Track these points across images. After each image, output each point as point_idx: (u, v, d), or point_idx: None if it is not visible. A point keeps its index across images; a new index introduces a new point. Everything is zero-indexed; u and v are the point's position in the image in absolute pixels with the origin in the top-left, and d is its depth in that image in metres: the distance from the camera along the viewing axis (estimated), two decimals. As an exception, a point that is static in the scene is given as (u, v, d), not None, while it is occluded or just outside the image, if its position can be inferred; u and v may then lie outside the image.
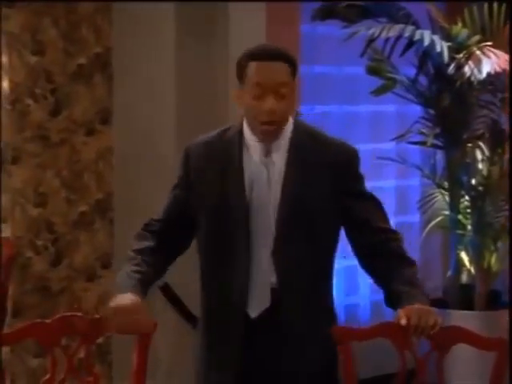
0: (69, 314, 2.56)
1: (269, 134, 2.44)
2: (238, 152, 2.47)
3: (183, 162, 2.54)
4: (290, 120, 2.51)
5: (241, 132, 2.50)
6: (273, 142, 2.47)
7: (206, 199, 2.48)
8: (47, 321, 2.44)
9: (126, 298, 2.37)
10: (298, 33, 4.41)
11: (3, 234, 4.13)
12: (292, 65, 2.45)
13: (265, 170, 2.46)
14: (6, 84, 4.12)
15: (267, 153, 2.47)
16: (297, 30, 4.39)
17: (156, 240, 2.56)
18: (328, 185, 2.48)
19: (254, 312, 2.47)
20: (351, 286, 5.08)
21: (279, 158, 2.48)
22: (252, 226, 2.45)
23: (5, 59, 4.11)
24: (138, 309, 2.37)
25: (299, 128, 2.54)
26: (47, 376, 2.42)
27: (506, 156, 4.42)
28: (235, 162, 2.47)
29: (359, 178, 2.57)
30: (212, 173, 2.49)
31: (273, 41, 4.20)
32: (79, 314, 2.55)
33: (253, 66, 2.42)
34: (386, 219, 2.61)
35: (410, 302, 2.44)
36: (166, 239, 2.56)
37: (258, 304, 2.46)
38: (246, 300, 2.45)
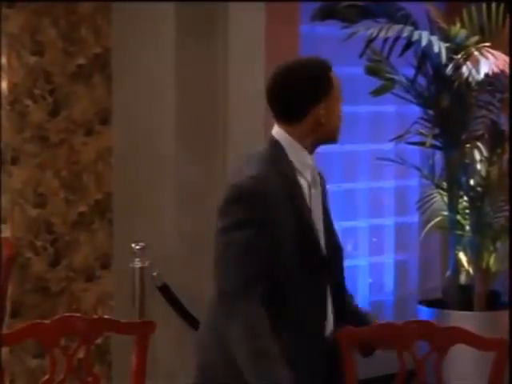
0: (68, 314, 2.56)
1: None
2: (293, 177, 2.34)
3: (252, 203, 2.22)
4: None
5: (286, 156, 2.35)
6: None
7: (285, 231, 2.26)
8: (46, 321, 2.44)
9: None
10: (298, 33, 4.41)
11: (3, 235, 4.13)
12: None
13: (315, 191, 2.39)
14: (5, 84, 4.12)
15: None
16: (296, 30, 4.39)
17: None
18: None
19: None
20: (350, 286, 5.07)
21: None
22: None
23: (4, 60, 4.10)
24: None
25: None
26: (46, 376, 2.42)
27: (505, 156, 4.42)
28: (296, 188, 2.32)
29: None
30: (280, 203, 2.27)
31: (272, 41, 4.21)
32: (78, 314, 2.56)
33: (333, 74, 2.46)
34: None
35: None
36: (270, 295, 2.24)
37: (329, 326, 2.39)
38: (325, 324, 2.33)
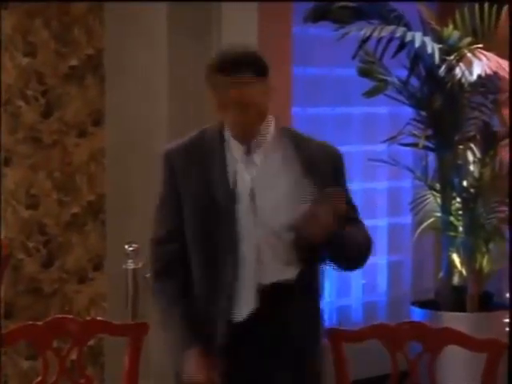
0: (60, 316, 2.56)
1: None
2: (220, 150, 2.42)
3: (167, 167, 2.47)
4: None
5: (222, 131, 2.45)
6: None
7: (193, 200, 2.40)
8: (39, 323, 2.44)
9: (196, 373, 2.30)
10: (290, 34, 4.41)
11: (-5, 236, 4.13)
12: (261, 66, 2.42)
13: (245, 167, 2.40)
14: (-3, 85, 4.11)
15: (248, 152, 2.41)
16: (289, 31, 4.39)
17: (172, 266, 2.43)
18: (312, 183, 2.39)
19: (240, 315, 2.36)
20: (343, 287, 5.08)
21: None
22: (238, 226, 2.37)
23: (-4, 60, 4.10)
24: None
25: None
26: (39, 378, 2.42)
27: (498, 157, 4.42)
28: (218, 160, 2.41)
29: (343, 177, 2.50)
30: (197, 173, 2.42)
31: (265, 42, 4.21)
32: (71, 316, 2.55)
33: (219, 79, 2.41)
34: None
35: None
36: (179, 256, 2.42)
37: (244, 306, 2.36)
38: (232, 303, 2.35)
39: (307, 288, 2.41)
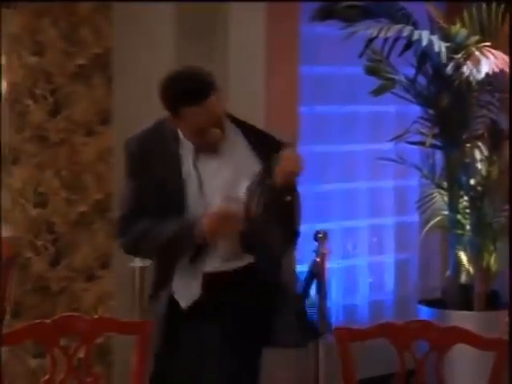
0: (68, 314, 2.56)
1: None
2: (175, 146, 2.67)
3: (128, 158, 2.73)
4: None
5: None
6: None
7: (151, 187, 2.66)
8: (47, 321, 2.44)
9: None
10: (298, 33, 4.40)
11: (3, 235, 4.13)
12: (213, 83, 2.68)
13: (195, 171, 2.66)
14: (5, 85, 4.12)
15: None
16: (296, 29, 4.39)
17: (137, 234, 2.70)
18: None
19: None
20: (350, 286, 5.08)
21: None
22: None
23: (4, 60, 4.11)
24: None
25: None
26: (47, 376, 2.43)
27: (505, 153, 4.41)
28: (172, 152, 2.67)
29: None
30: (153, 163, 2.67)
31: (272, 41, 4.21)
32: (78, 314, 2.56)
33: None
34: None
35: None
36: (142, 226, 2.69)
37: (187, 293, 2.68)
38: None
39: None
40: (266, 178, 2.61)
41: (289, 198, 2.62)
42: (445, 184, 4.53)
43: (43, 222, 4.27)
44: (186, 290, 2.68)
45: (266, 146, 2.71)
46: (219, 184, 2.65)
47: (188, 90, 2.59)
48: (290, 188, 2.61)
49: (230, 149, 2.70)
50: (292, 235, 2.76)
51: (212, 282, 2.67)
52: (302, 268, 4.45)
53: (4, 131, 4.16)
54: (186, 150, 2.68)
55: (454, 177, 4.47)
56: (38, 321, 2.47)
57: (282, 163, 2.59)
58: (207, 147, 2.67)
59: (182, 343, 2.69)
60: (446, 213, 4.54)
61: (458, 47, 4.24)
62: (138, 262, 3.79)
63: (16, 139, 4.17)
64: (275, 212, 2.61)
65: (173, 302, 2.70)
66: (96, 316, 2.60)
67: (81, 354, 2.48)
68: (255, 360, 2.80)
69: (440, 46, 4.12)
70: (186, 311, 2.68)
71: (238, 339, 2.70)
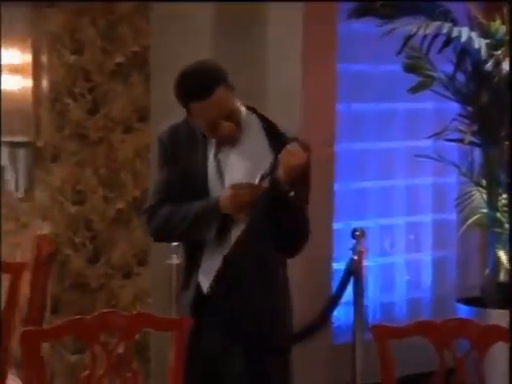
0: (107, 310, 2.58)
1: None
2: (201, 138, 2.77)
3: (159, 150, 2.85)
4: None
5: None
6: None
7: (179, 177, 2.79)
8: (87, 317, 2.46)
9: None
10: (335, 31, 4.39)
11: (43, 232, 4.18)
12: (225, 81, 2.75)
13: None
14: (45, 83, 4.16)
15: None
16: (334, 28, 4.38)
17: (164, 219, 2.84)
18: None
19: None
20: (387, 283, 5.06)
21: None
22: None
23: (44, 58, 4.15)
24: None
25: None
26: (87, 372, 2.44)
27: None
28: (198, 145, 2.77)
29: None
30: (181, 155, 2.79)
31: (310, 39, 4.20)
32: (117, 310, 2.58)
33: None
34: None
35: None
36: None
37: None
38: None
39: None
40: (273, 172, 2.66)
41: (292, 194, 2.62)
42: (483, 182, 4.49)
43: (81, 220, 4.30)
44: (209, 272, 2.76)
45: (280, 140, 2.75)
46: (238, 176, 2.73)
47: (191, 86, 2.68)
48: (294, 183, 2.63)
49: (249, 141, 2.76)
50: (300, 230, 2.74)
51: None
52: (338, 266, 4.45)
53: (44, 129, 4.20)
54: (211, 142, 2.78)
55: (492, 174, 4.42)
56: (78, 317, 2.49)
57: (284, 157, 2.63)
58: (224, 140, 2.73)
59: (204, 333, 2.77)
60: (485, 211, 4.50)
61: (497, 44, 4.20)
62: (174, 259, 3.80)
63: (56, 137, 4.21)
64: (279, 207, 2.64)
65: (199, 294, 2.79)
66: (135, 312, 2.61)
67: (120, 350, 2.49)
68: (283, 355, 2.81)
69: (480, 43, 4.08)
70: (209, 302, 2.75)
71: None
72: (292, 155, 2.62)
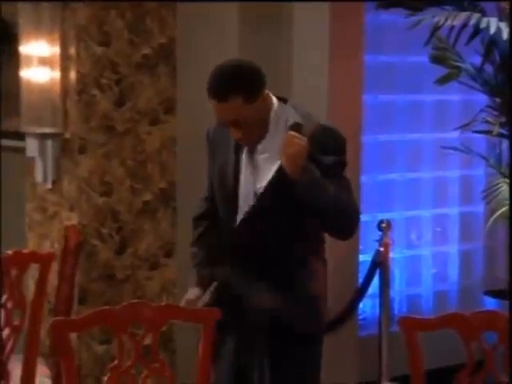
0: (136, 301, 2.59)
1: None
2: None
3: (207, 143, 2.93)
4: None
5: None
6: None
7: (216, 175, 2.86)
8: (115, 308, 2.47)
9: (190, 294, 2.86)
10: (363, 22, 4.37)
11: (70, 222, 4.20)
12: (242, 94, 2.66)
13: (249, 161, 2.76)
14: (73, 75, 4.18)
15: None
16: (361, 19, 4.36)
17: (205, 220, 2.95)
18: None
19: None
20: (414, 276, 5.04)
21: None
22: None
23: (72, 50, 4.16)
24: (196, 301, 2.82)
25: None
26: (115, 362, 2.46)
27: None
28: (229, 145, 2.79)
29: (334, 153, 2.71)
30: (218, 153, 2.85)
31: (337, 29, 4.18)
32: (146, 301, 2.59)
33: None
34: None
35: None
36: (212, 214, 2.90)
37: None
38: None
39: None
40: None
41: (298, 180, 2.60)
42: None
43: (108, 211, 4.32)
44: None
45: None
46: (244, 180, 2.77)
47: (211, 84, 2.68)
48: (297, 171, 2.60)
49: (267, 151, 2.74)
50: (333, 209, 2.69)
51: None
52: (365, 258, 4.44)
53: (72, 121, 4.22)
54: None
55: (520, 166, 4.39)
56: (107, 307, 2.50)
57: (283, 148, 2.62)
58: (241, 142, 2.75)
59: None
60: (513, 203, 4.46)
61: (526, 35, 4.16)
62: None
63: (83, 129, 4.23)
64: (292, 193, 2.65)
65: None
66: (163, 303, 2.62)
67: (147, 341, 2.50)
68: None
69: (509, 34, 4.04)
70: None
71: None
72: (289, 145, 2.61)
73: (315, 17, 4.17)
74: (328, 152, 2.69)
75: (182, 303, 2.82)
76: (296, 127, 2.66)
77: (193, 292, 2.85)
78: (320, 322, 2.86)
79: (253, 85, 2.67)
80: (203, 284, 2.84)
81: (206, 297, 2.82)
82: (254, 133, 2.72)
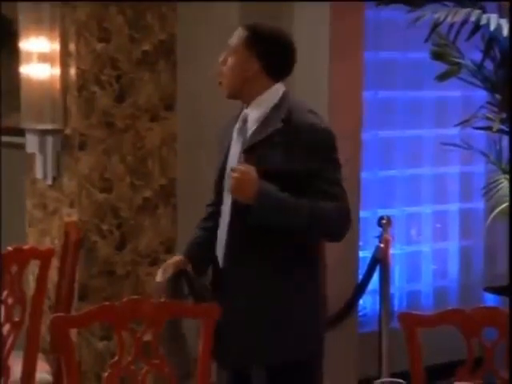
0: (136, 297, 2.59)
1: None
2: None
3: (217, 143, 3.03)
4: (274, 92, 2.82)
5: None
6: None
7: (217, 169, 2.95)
8: (115, 304, 2.47)
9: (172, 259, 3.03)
10: (363, 18, 4.37)
11: (70, 219, 4.21)
12: (250, 32, 2.82)
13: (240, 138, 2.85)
14: (73, 71, 4.18)
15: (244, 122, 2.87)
16: (361, 15, 4.35)
17: (214, 206, 3.02)
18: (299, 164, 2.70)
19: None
20: (414, 272, 5.05)
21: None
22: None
23: (72, 46, 4.16)
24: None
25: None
26: (115, 358, 2.46)
27: None
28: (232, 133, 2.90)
29: (331, 162, 2.75)
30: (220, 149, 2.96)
31: (337, 26, 4.18)
32: (146, 298, 2.59)
33: None
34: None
35: None
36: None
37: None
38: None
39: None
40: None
41: (253, 206, 2.67)
42: (512, 170, 4.45)
43: (109, 207, 4.32)
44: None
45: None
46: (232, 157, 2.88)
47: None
48: (249, 197, 2.69)
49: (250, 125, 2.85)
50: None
51: None
52: (364, 254, 4.44)
53: (72, 117, 4.22)
54: (235, 131, 2.93)
55: (520, 163, 4.39)
56: (106, 304, 2.50)
57: (232, 177, 2.74)
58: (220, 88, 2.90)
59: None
60: (513, 199, 4.46)
61: (527, 31, 4.15)
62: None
63: (83, 125, 4.23)
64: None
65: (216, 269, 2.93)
66: (162, 300, 2.62)
67: (148, 337, 2.51)
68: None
69: (509, 31, 4.04)
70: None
71: None
72: (234, 173, 2.70)
73: (315, 13, 4.16)
74: (314, 152, 2.72)
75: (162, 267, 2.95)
76: (246, 152, 2.76)
77: (175, 258, 3.00)
78: (313, 346, 2.83)
79: (266, 43, 2.81)
80: (188, 255, 2.97)
81: (165, 275, 2.91)
82: (232, 83, 2.83)
